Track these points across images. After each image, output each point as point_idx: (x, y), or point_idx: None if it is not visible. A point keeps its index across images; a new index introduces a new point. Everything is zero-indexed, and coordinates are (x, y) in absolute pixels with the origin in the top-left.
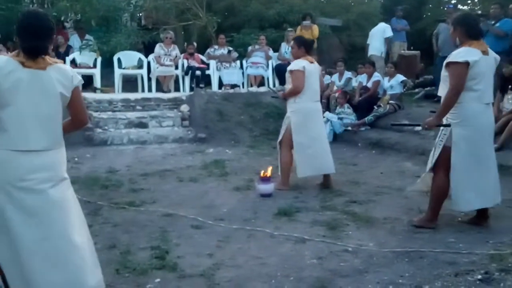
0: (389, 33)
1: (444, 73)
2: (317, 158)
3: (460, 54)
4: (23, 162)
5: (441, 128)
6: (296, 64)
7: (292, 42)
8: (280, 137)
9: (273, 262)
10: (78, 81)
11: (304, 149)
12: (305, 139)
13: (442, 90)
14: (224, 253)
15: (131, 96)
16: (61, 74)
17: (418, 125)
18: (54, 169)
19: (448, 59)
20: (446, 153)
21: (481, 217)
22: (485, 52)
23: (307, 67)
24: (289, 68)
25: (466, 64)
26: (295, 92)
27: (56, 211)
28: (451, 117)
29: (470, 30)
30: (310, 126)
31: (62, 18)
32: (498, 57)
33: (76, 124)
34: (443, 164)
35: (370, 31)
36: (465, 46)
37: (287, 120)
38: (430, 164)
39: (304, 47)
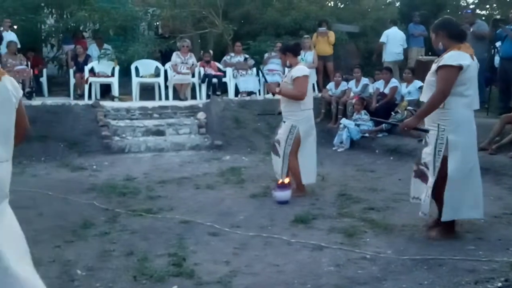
0: (405, 44)
1: (431, 78)
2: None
3: (453, 58)
4: None
5: (436, 138)
6: (301, 71)
7: (278, 53)
8: (288, 149)
9: (290, 270)
10: (21, 92)
11: (312, 156)
12: (313, 146)
13: (426, 96)
14: (241, 260)
15: (149, 104)
16: (12, 85)
17: (397, 125)
18: (5, 183)
19: (440, 63)
20: (445, 164)
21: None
22: (472, 57)
23: (310, 73)
24: (294, 75)
25: (459, 68)
26: (298, 98)
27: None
28: (444, 124)
29: (452, 32)
30: (313, 131)
31: (81, 28)
32: (477, 63)
33: (21, 132)
34: (442, 175)
35: (385, 31)
36: (454, 49)
37: (294, 130)
38: (432, 178)
39: (290, 52)
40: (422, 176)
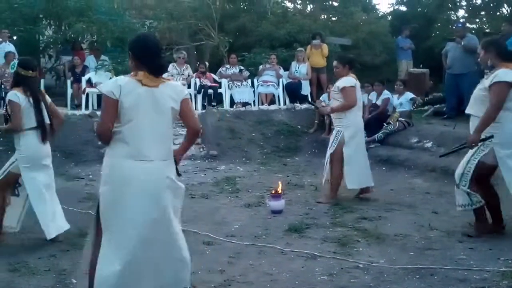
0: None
1: (482, 93)
2: (364, 171)
3: (507, 75)
4: (137, 170)
5: (479, 144)
6: (348, 81)
7: (335, 62)
8: (332, 151)
9: (284, 279)
10: (186, 94)
11: (354, 162)
12: (355, 152)
13: (473, 109)
14: (235, 270)
15: None
16: (172, 90)
17: (465, 146)
18: (165, 178)
19: (495, 79)
20: (482, 168)
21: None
22: None
23: (357, 84)
24: (340, 84)
25: (510, 84)
26: (349, 107)
27: (160, 216)
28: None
29: (501, 51)
30: (360, 139)
31: (79, 39)
32: None
33: (190, 131)
34: (480, 179)
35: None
36: (503, 67)
37: (339, 135)
38: (463, 182)
39: (349, 64)
40: None
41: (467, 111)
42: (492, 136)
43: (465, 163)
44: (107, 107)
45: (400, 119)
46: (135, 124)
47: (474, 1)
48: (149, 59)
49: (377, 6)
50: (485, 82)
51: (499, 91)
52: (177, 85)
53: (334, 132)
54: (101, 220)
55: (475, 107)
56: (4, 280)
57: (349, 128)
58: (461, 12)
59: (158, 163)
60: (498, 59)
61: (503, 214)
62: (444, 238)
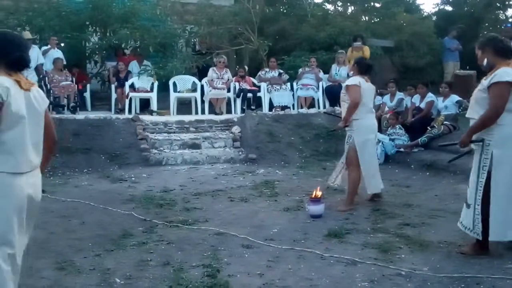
0: None
1: (481, 94)
2: (378, 173)
3: (507, 74)
4: (26, 184)
5: (481, 154)
6: (352, 80)
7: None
8: (343, 158)
9: (323, 284)
10: (47, 103)
11: (370, 165)
12: (369, 156)
13: (473, 112)
14: (274, 273)
15: (185, 118)
16: (40, 96)
17: (456, 143)
18: (40, 186)
19: (494, 80)
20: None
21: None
22: None
23: (368, 85)
24: (344, 84)
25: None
26: (353, 106)
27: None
28: (490, 138)
29: (499, 49)
30: (372, 142)
31: (123, 45)
32: None
33: (50, 142)
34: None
35: None
36: (503, 66)
37: (349, 140)
38: (475, 198)
39: (358, 67)
40: None
41: (467, 115)
42: (482, 140)
43: (476, 179)
44: None
45: (445, 122)
46: (20, 132)
47: None
48: (9, 51)
49: (421, 7)
50: (484, 82)
51: (499, 92)
52: (41, 91)
53: (346, 137)
54: None
55: (475, 111)
56: (52, 278)
57: (359, 132)
58: (510, 12)
59: (37, 172)
60: (497, 57)
61: None
62: (491, 246)
